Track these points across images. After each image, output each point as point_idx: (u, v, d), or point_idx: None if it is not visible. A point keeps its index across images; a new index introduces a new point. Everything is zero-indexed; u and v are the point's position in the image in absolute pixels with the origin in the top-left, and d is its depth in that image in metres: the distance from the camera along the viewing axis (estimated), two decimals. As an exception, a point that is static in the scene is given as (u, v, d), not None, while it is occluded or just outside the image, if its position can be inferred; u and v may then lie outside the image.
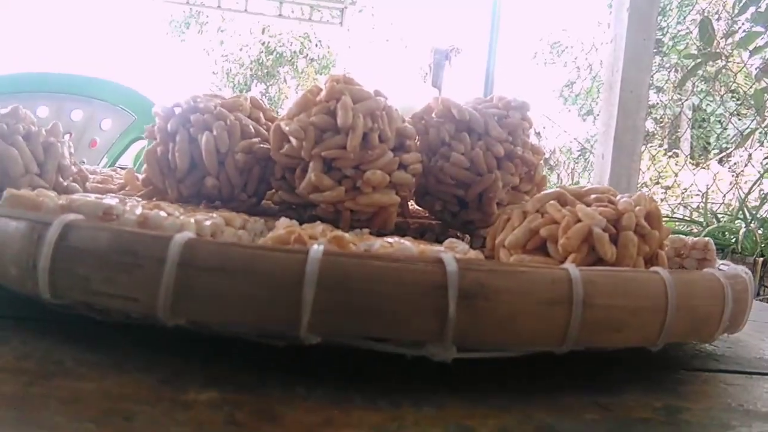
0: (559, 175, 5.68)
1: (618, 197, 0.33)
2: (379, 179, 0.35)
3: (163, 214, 0.27)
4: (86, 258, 0.23)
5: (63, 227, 0.23)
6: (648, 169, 4.19)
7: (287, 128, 0.36)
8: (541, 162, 0.41)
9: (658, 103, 5.04)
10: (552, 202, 0.32)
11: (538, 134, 5.79)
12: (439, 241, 0.43)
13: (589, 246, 0.30)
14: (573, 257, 0.29)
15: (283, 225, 0.28)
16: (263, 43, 7.39)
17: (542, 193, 0.33)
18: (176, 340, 0.23)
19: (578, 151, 5.79)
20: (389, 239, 0.28)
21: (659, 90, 4.89)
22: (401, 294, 0.22)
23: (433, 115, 0.40)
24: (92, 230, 0.23)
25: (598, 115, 2.68)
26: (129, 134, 1.69)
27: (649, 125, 5.03)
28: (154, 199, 0.39)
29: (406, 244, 0.25)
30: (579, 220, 0.30)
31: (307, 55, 7.44)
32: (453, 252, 0.27)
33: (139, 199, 0.34)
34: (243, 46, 7.47)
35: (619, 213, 0.31)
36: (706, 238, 0.40)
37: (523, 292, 0.23)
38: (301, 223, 0.40)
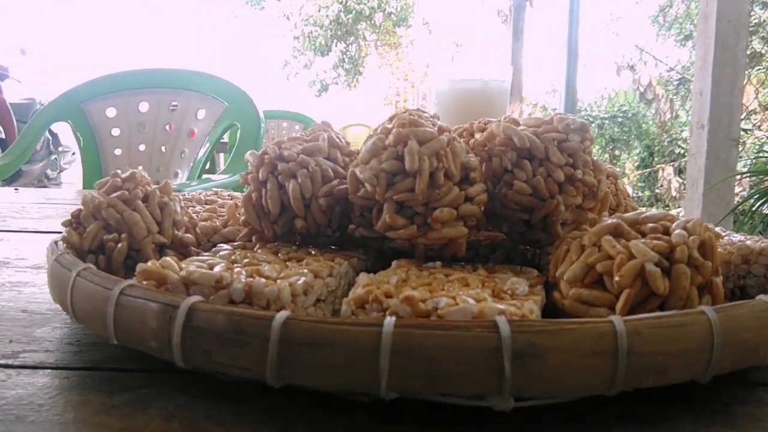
0: (657, 109, 5.38)
1: (674, 225, 0.35)
2: (447, 216, 0.39)
3: (262, 281, 0.32)
4: (207, 336, 0.28)
5: (188, 310, 0.29)
6: (756, 95, 3.89)
7: (362, 176, 0.40)
8: (604, 178, 0.43)
9: (765, 21, 4.62)
10: (607, 237, 0.34)
11: (632, 68, 5.49)
12: (509, 257, 0.46)
13: (643, 281, 0.32)
14: (627, 293, 0.32)
15: (363, 283, 0.32)
16: (341, 2, 7.38)
17: (600, 225, 0.36)
18: (284, 395, 0.29)
19: (677, 80, 5.44)
20: (455, 292, 0.32)
21: (765, 5, 4.48)
22: (462, 358, 0.26)
23: (496, 141, 0.43)
24: (210, 313, 0.28)
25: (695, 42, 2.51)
26: (223, 122, 1.79)
27: (757, 45, 4.64)
28: (253, 238, 0.45)
29: (468, 303, 0.29)
30: (632, 256, 0.33)
31: (385, 9, 7.37)
32: (511, 303, 0.30)
33: (243, 253, 0.39)
34: (322, 8, 7.51)
35: (671, 246, 0.33)
36: (774, 244, 0.41)
37: (570, 349, 0.26)
38: (381, 253, 0.44)
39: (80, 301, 0.34)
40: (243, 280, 0.32)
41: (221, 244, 0.43)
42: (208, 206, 0.57)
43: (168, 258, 0.36)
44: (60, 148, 5.34)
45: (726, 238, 0.45)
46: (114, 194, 0.42)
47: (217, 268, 0.34)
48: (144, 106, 1.80)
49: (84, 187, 1.70)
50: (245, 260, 0.37)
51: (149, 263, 0.35)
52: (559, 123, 0.42)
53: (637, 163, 5.44)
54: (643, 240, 0.34)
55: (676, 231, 0.34)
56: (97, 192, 0.43)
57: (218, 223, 0.50)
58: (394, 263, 0.39)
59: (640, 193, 5.09)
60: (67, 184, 5.18)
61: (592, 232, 0.35)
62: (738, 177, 2.26)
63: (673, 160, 4.92)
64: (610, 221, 0.36)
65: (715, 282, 0.33)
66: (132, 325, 0.31)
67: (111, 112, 1.80)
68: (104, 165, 1.77)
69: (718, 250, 0.34)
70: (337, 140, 0.47)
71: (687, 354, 0.28)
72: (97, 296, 0.32)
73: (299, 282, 0.33)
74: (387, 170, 0.39)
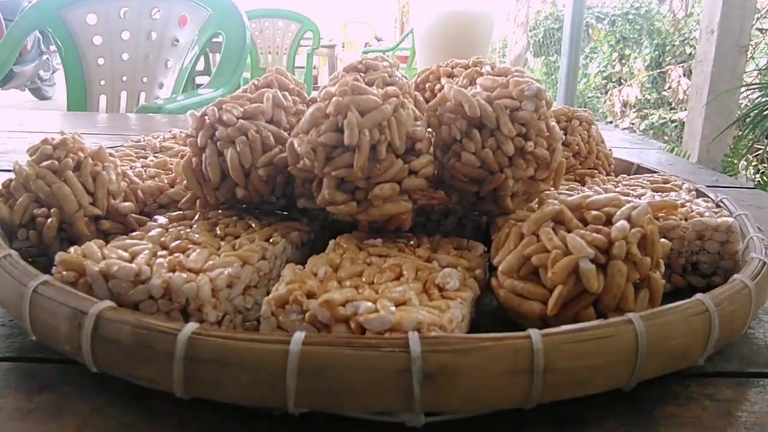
0: (671, 6, 5.14)
1: (618, 213, 0.33)
2: (388, 193, 0.37)
3: (182, 276, 0.31)
4: (115, 347, 0.27)
5: (96, 318, 0.28)
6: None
7: (299, 149, 0.37)
8: (559, 147, 0.40)
9: None
10: (545, 228, 0.33)
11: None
12: (462, 225, 0.45)
13: (577, 277, 0.31)
14: (560, 290, 0.31)
15: (286, 279, 0.31)
16: None
17: (540, 211, 0.34)
18: (200, 403, 0.28)
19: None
20: (382, 288, 0.31)
21: None
22: (371, 378, 0.25)
23: (447, 107, 0.40)
24: (117, 323, 0.28)
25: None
26: (207, 30, 1.71)
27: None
28: (198, 202, 0.43)
29: (387, 312, 0.28)
30: (568, 252, 0.31)
31: None
32: (434, 307, 0.29)
33: (176, 231, 0.37)
34: None
35: (610, 241, 0.31)
36: (730, 220, 0.39)
37: (484, 368, 0.26)
38: (326, 224, 0.43)
39: (1, 290, 0.33)
40: (162, 276, 0.31)
41: (157, 217, 0.41)
42: (160, 157, 0.55)
43: (91, 244, 0.34)
44: (51, 47, 5.18)
45: (687, 206, 0.43)
46: (44, 163, 0.40)
47: (139, 258, 0.33)
48: (125, 13, 1.73)
49: (68, 101, 1.66)
50: (175, 242, 0.36)
51: (71, 251, 0.33)
52: (514, 88, 0.39)
53: (647, 63, 5.26)
54: (582, 231, 0.32)
55: (618, 223, 0.32)
56: (27, 161, 0.41)
57: (166, 181, 0.48)
58: (331, 243, 0.37)
59: (648, 96, 4.96)
60: (61, 86, 5.07)
61: (532, 220, 0.34)
62: (743, 89, 2.19)
63: (683, 61, 4.75)
64: (551, 209, 0.34)
65: (653, 278, 0.32)
66: (46, 326, 0.30)
67: (91, 19, 1.72)
68: (87, 75, 1.71)
69: (661, 240, 0.33)
70: (283, 100, 0.44)
71: (609, 366, 0.27)
72: (14, 290, 0.32)
73: (222, 275, 0.32)
74: (325, 144, 0.37)
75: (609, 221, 0.33)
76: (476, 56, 0.57)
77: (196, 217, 0.41)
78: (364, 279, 0.33)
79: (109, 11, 1.73)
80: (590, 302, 0.31)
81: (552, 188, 0.42)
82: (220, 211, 0.43)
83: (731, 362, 0.34)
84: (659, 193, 0.47)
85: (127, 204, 0.42)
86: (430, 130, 0.42)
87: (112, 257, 0.33)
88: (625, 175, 0.56)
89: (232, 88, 1.85)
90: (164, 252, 0.34)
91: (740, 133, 2.09)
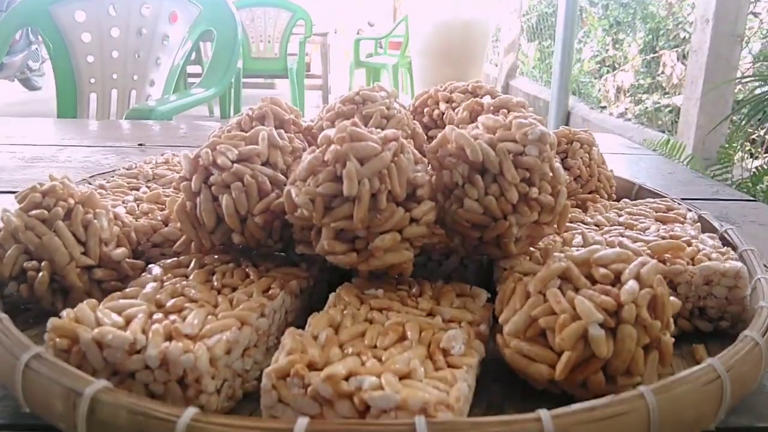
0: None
1: (627, 272, 0.32)
2: (389, 244, 0.36)
3: (179, 346, 0.30)
4: (111, 431, 0.27)
5: (91, 401, 0.27)
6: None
7: (297, 199, 0.36)
8: (563, 190, 0.39)
9: None
10: (553, 289, 0.32)
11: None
12: (464, 265, 0.44)
13: (586, 342, 0.30)
14: (568, 356, 0.30)
15: (287, 348, 0.30)
16: None
17: (547, 268, 0.33)
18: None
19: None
20: (387, 355, 0.30)
21: None
22: (377, 467, 0.25)
23: (448, 149, 0.39)
24: (114, 407, 0.27)
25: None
26: (197, 26, 1.69)
27: None
28: (192, 245, 0.42)
29: (392, 389, 0.27)
30: (577, 316, 0.30)
31: None
32: (440, 378, 0.28)
33: (172, 287, 0.36)
34: None
35: (619, 303, 0.30)
36: (738, 265, 0.38)
37: (492, 454, 0.25)
38: (325, 267, 0.42)
39: (-8, 357, 0.32)
40: (159, 346, 0.30)
41: (152, 266, 0.40)
42: (153, 187, 0.54)
43: (84, 306, 0.33)
44: (40, 37, 5.11)
45: (694, 244, 0.42)
46: (33, 212, 0.39)
47: (134, 323, 0.32)
48: (114, 10, 1.70)
49: (58, 100, 1.64)
50: (171, 301, 0.34)
51: (63, 315, 0.32)
52: (517, 131, 0.38)
53: (641, 47, 5.23)
54: (591, 292, 0.31)
55: (627, 284, 0.31)
56: (15, 209, 0.39)
57: (160, 218, 0.47)
58: (331, 297, 0.36)
59: (641, 81, 4.94)
60: (51, 77, 5.01)
61: (539, 278, 0.33)
62: (738, 80, 2.18)
63: (677, 45, 4.73)
64: (558, 266, 0.33)
65: (663, 340, 0.31)
66: (40, 401, 0.29)
67: (80, 16, 1.69)
68: (77, 73, 1.69)
69: (671, 300, 0.32)
70: (279, 139, 0.43)
71: (620, 444, 0.27)
72: (6, 362, 0.31)
73: (220, 342, 0.31)
74: (324, 194, 0.36)
75: (617, 278, 0.32)
76: (475, 80, 0.56)
77: (192, 264, 0.40)
78: (366, 342, 0.32)
79: (98, 8, 1.69)
80: (599, 367, 0.30)
81: (556, 231, 0.41)
82: (216, 256, 0.41)
83: (741, 416, 0.33)
84: (663, 226, 0.46)
85: (119, 251, 0.41)
86: (430, 170, 0.41)
87: (106, 323, 0.32)
88: (627, 200, 0.55)
89: (224, 87, 1.83)
90: (160, 314, 0.33)
91: (735, 121, 2.07)
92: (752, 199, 0.75)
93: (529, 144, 0.37)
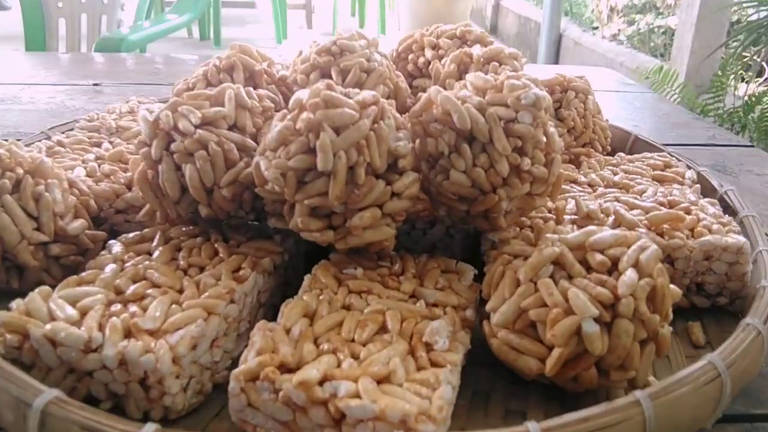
0: None
1: (625, 259, 0.29)
2: (368, 221, 0.33)
3: (138, 345, 0.27)
4: (64, 448, 0.24)
5: (41, 414, 0.25)
6: None
7: (266, 173, 0.33)
8: (558, 157, 0.36)
9: None
10: (545, 280, 0.29)
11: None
12: (450, 235, 0.41)
13: (579, 337, 0.28)
14: (560, 353, 0.28)
15: (256, 347, 0.28)
16: None
17: (538, 255, 0.30)
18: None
19: None
20: (365, 353, 0.28)
21: None
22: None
23: (433, 114, 0.35)
24: (65, 422, 0.24)
25: None
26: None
27: None
28: (157, 214, 0.39)
29: (370, 399, 0.25)
30: (570, 310, 0.28)
31: None
32: (421, 383, 0.26)
33: (134, 269, 0.33)
34: None
35: (616, 296, 0.28)
36: (741, 240, 0.36)
37: (477, 473, 0.23)
38: (301, 239, 0.39)
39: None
40: (116, 345, 0.28)
41: (112, 242, 0.37)
42: (115, 144, 0.50)
43: (36, 296, 0.30)
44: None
45: (693, 212, 0.39)
46: (-23, 185, 0.35)
47: (90, 317, 0.29)
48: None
49: (25, 27, 1.54)
50: (131, 287, 0.32)
51: (13, 307, 0.30)
52: (510, 93, 0.34)
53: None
54: (585, 282, 0.29)
55: (625, 275, 0.28)
56: (-42, 182, 0.36)
57: (123, 180, 0.44)
58: (307, 279, 0.34)
59: (635, 0, 4.78)
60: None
61: (529, 266, 0.30)
62: (735, 4, 2.10)
63: (675, -37, 4.54)
64: (551, 251, 0.30)
65: (661, 333, 0.29)
66: (-11, 408, 0.27)
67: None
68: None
69: (671, 288, 0.29)
70: (247, 98, 0.39)
71: (612, 454, 0.25)
72: (-49, 363, 0.28)
73: (184, 339, 0.29)
74: (296, 168, 0.33)
75: (614, 265, 0.30)
76: (464, 23, 0.51)
77: (156, 238, 0.37)
78: (343, 335, 0.29)
79: None
80: (592, 363, 0.28)
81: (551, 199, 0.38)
82: (183, 228, 0.38)
83: (736, 403, 0.32)
84: (661, 188, 0.43)
85: (77, 224, 0.38)
86: (414, 135, 0.37)
87: (60, 317, 0.29)
88: (622, 154, 0.52)
89: (200, 11, 1.73)
90: (119, 304, 0.31)
91: (731, 47, 2.01)
92: (749, 144, 0.73)
93: (522, 110, 0.34)
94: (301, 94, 0.34)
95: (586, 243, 0.31)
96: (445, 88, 0.43)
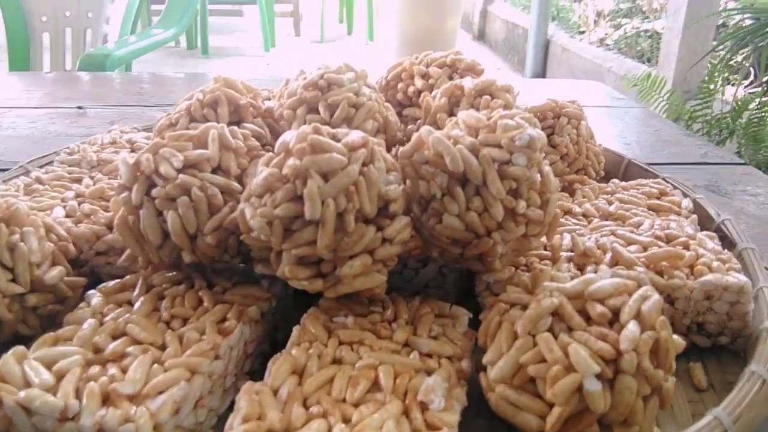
0: None
1: (626, 311, 0.28)
2: (358, 270, 0.32)
3: (116, 415, 0.26)
4: None
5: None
6: None
7: (252, 222, 0.32)
8: (554, 197, 0.35)
9: None
10: (544, 334, 0.28)
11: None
12: (442, 274, 0.40)
13: (580, 394, 0.27)
14: (560, 411, 0.27)
15: (242, 413, 0.26)
16: None
17: (537, 307, 0.29)
18: None
19: None
20: (358, 413, 0.26)
21: None
22: None
23: (425, 156, 0.34)
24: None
25: None
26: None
27: None
28: (139, 259, 0.38)
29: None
30: (571, 367, 0.27)
31: None
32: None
33: (113, 323, 0.32)
34: None
35: (618, 352, 0.27)
36: (743, 280, 0.35)
37: None
38: (288, 286, 0.38)
39: None
40: (94, 414, 0.26)
41: (91, 293, 0.35)
42: (96, 179, 0.48)
43: (9, 358, 0.29)
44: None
45: (692, 247, 0.38)
46: (-52, 235, 0.34)
47: (66, 381, 0.28)
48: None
49: (8, 42, 1.51)
50: (111, 345, 0.30)
51: (-17, 373, 0.28)
52: (503, 134, 0.33)
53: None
54: (586, 336, 0.28)
55: (627, 328, 0.27)
56: (-73, 232, 0.34)
57: (103, 219, 0.42)
58: (295, 331, 0.32)
59: (621, 5, 4.81)
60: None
61: (527, 318, 0.29)
62: (722, 14, 2.11)
63: (660, -32, 4.57)
64: (550, 303, 0.29)
65: (664, 387, 0.28)
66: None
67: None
68: (28, 11, 1.56)
69: (674, 339, 0.28)
70: (231, 139, 0.37)
71: None
72: None
73: (166, 406, 0.27)
74: (283, 216, 0.31)
75: (615, 316, 0.29)
76: (454, 51, 0.50)
77: (138, 286, 0.36)
78: (334, 395, 0.28)
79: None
80: (594, 421, 0.27)
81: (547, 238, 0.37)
82: (166, 274, 0.37)
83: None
84: (658, 220, 0.42)
85: (54, 273, 0.36)
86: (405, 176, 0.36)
87: (35, 382, 0.28)
88: (616, 181, 0.51)
89: (185, 25, 1.72)
90: (97, 366, 0.29)
91: (717, 55, 2.02)
92: (741, 162, 0.72)
93: (516, 152, 0.33)
94: (288, 137, 0.33)
95: (585, 292, 0.30)
96: (436, 123, 0.43)
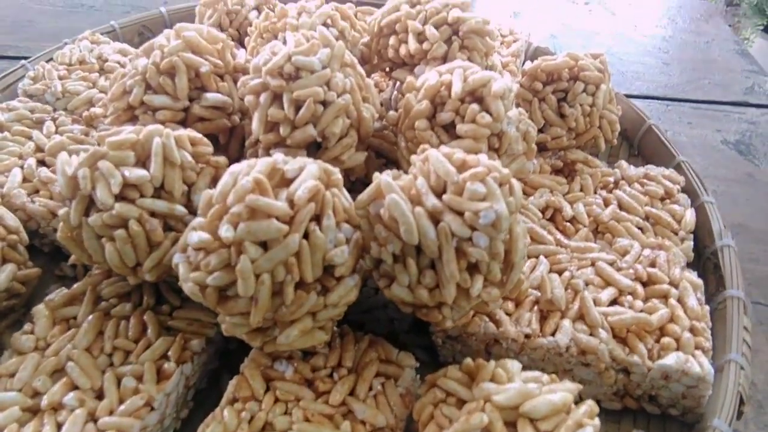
0: None
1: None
2: (298, 336, 0.31)
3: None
4: None
5: None
6: None
7: (185, 286, 0.30)
8: (519, 263, 0.32)
9: None
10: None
11: None
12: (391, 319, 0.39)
13: None
14: None
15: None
16: None
17: (465, 423, 0.28)
18: None
19: None
20: None
21: None
22: None
23: (380, 214, 0.31)
24: None
25: None
26: None
27: None
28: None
29: None
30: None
31: None
32: None
33: (55, 359, 0.32)
34: None
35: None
36: (706, 371, 0.33)
37: None
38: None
39: None
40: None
41: (38, 308, 0.35)
42: (58, 123, 0.45)
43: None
44: None
45: (671, 301, 0.36)
46: None
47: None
48: None
49: None
50: (50, 391, 0.31)
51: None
52: (469, 204, 0.29)
53: None
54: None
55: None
56: None
57: (58, 188, 0.40)
58: (231, 384, 0.32)
59: None
60: None
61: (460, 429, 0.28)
62: None
63: None
64: (479, 416, 0.28)
65: None
66: None
67: None
68: None
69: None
70: (175, 153, 0.33)
71: None
72: None
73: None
74: (215, 285, 0.29)
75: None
76: (460, 3, 0.43)
77: (85, 300, 0.35)
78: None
79: None
80: None
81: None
82: (114, 283, 0.36)
83: None
84: (647, 249, 0.39)
85: (4, 275, 0.36)
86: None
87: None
88: (623, 164, 0.46)
89: None
90: (33, 420, 0.30)
91: None
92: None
93: (479, 230, 0.29)
94: (228, 180, 0.30)
95: (520, 409, 0.28)
96: (413, 128, 0.38)
